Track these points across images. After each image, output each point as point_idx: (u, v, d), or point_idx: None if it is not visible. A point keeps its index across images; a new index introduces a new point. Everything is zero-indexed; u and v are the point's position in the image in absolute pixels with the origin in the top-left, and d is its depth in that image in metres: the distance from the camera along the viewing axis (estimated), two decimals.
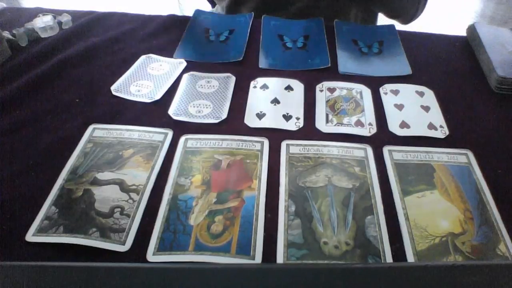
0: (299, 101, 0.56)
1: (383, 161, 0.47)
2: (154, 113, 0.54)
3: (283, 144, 0.49)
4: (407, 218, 0.41)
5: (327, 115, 0.54)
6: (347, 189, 0.44)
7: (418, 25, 0.78)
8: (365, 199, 0.43)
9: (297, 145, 0.49)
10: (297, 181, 0.45)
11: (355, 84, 0.59)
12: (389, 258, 0.38)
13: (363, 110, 0.55)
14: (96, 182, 0.44)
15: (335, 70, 0.62)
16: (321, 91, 0.58)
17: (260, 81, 0.60)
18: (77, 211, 0.41)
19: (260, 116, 0.54)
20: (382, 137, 0.51)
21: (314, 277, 0.29)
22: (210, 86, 0.58)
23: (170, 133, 0.50)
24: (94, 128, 0.51)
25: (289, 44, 0.68)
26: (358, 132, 0.51)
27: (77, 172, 0.45)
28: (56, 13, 0.71)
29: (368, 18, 0.85)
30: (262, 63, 0.63)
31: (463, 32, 0.73)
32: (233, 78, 0.60)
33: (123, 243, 0.38)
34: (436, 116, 0.54)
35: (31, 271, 0.28)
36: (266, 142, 0.49)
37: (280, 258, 0.38)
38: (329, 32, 0.70)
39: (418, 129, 0.52)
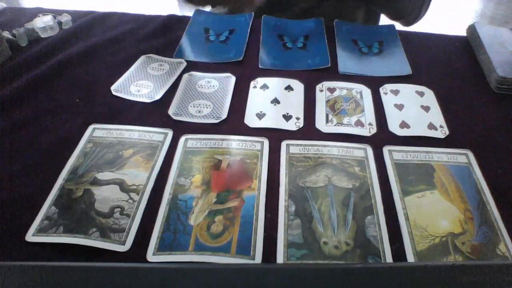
0: (299, 101, 0.56)
1: (383, 161, 0.47)
2: (154, 113, 0.54)
3: (283, 144, 0.49)
4: (407, 218, 0.41)
5: (327, 115, 0.54)
6: (347, 189, 0.44)
7: (418, 25, 0.78)
8: (365, 199, 0.43)
9: (297, 145, 0.49)
10: (297, 181, 0.45)
11: (355, 84, 0.59)
12: (389, 258, 0.38)
13: (363, 110, 0.55)
14: (96, 182, 0.44)
15: (335, 70, 0.62)
16: (321, 91, 0.58)
17: (260, 81, 0.60)
18: (77, 211, 0.41)
19: (260, 116, 0.54)
20: (382, 137, 0.51)
21: (314, 277, 0.29)
22: (210, 86, 0.58)
23: (170, 133, 0.50)
24: (94, 128, 0.51)
25: (289, 44, 0.68)
26: (358, 132, 0.51)
27: (77, 172, 0.45)
28: (56, 13, 0.71)
29: (370, 19, 0.85)
30: (262, 63, 0.63)
31: (463, 32, 0.73)
32: (233, 78, 0.60)
33: (123, 243, 0.38)
34: (436, 116, 0.54)
35: (31, 271, 0.28)
36: (266, 142, 0.49)
37: (280, 258, 0.38)
38: (329, 32, 0.70)
39: (418, 129, 0.52)
